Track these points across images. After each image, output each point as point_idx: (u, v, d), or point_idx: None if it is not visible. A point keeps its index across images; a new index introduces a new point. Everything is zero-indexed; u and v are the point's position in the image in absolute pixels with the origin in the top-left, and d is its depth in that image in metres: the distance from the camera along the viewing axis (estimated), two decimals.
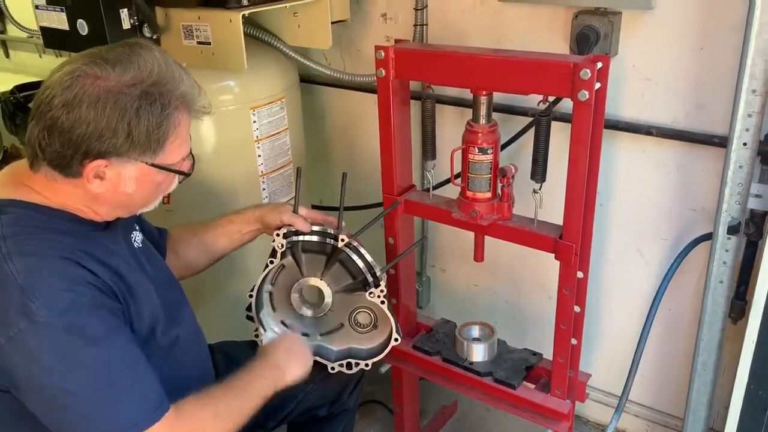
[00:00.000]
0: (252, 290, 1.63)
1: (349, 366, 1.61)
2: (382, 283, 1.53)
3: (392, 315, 1.56)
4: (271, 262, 1.58)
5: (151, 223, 1.53)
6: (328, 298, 1.59)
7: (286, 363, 1.44)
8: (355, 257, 1.53)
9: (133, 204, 1.24)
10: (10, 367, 1.08)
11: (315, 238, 1.56)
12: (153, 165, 1.18)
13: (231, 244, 1.63)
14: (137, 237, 1.38)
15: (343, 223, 1.56)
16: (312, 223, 1.56)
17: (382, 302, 1.53)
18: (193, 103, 1.21)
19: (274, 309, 1.67)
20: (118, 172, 1.15)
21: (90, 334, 1.09)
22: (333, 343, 1.65)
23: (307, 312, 1.63)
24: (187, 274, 1.60)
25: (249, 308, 1.65)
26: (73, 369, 1.08)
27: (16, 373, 1.08)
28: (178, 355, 1.34)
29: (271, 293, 1.65)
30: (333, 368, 1.62)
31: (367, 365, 1.62)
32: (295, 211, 1.57)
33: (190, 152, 1.27)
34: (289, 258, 1.59)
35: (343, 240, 1.52)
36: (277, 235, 1.55)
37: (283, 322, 1.67)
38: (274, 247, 1.56)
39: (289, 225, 1.55)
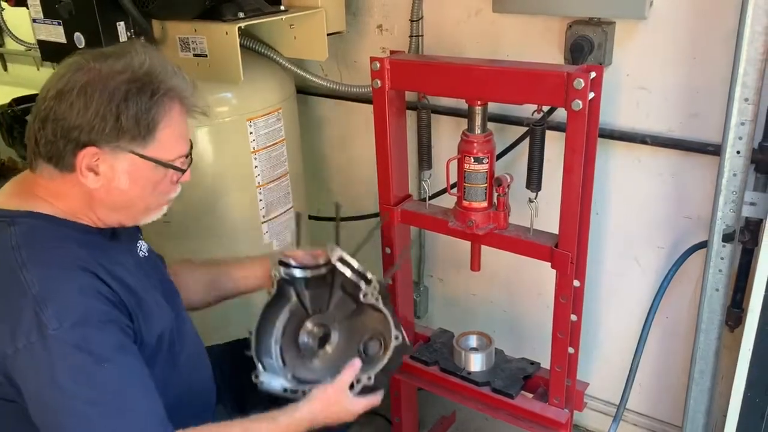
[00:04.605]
0: (251, 331, 1.53)
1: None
2: (374, 279, 1.44)
3: (389, 312, 1.45)
4: (269, 293, 1.52)
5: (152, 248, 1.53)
6: (335, 335, 1.50)
7: (323, 421, 1.33)
8: (347, 271, 1.45)
9: (130, 205, 1.21)
10: (16, 378, 1.07)
11: (309, 262, 1.52)
12: (143, 156, 1.15)
13: (234, 286, 1.60)
14: (143, 246, 1.37)
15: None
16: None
17: (377, 299, 1.43)
18: (185, 97, 1.20)
19: (284, 363, 1.54)
20: (111, 165, 1.14)
21: (98, 351, 1.08)
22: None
23: (316, 361, 1.52)
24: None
25: (249, 346, 1.53)
26: (80, 386, 1.06)
27: (21, 385, 1.07)
28: (181, 367, 1.34)
29: (281, 347, 1.54)
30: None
31: (369, 378, 1.43)
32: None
33: (190, 154, 1.24)
34: (294, 300, 1.53)
35: (334, 250, 1.44)
36: (273, 266, 1.52)
37: (294, 377, 1.52)
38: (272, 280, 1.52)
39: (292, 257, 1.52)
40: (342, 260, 1.44)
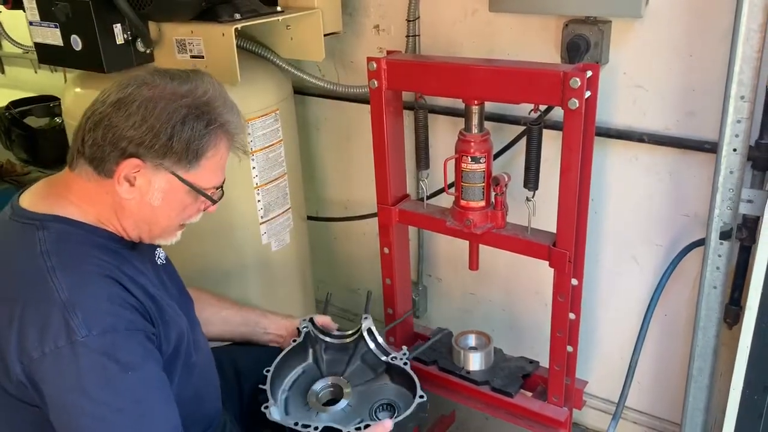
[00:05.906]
0: (269, 369, 1.57)
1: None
2: (404, 348, 1.57)
3: (415, 375, 1.53)
4: (294, 341, 1.61)
5: None
6: (346, 397, 1.55)
7: None
8: (372, 344, 1.57)
9: (154, 222, 1.23)
10: (39, 381, 1.07)
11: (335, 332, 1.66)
12: (184, 180, 1.18)
13: (250, 332, 1.68)
14: (161, 254, 1.39)
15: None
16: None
17: (405, 363, 1.54)
18: (235, 134, 1.24)
19: (287, 413, 1.55)
20: (149, 180, 1.17)
21: (125, 359, 1.09)
22: None
23: (324, 415, 1.53)
24: None
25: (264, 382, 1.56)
26: (105, 393, 1.08)
27: (45, 389, 1.07)
28: (195, 377, 1.34)
29: (287, 398, 1.59)
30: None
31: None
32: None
33: (222, 187, 1.27)
34: (310, 361, 1.63)
35: (366, 319, 1.60)
36: (303, 320, 1.65)
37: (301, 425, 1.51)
38: (298, 328, 1.65)
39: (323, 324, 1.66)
40: (370, 332, 1.57)
